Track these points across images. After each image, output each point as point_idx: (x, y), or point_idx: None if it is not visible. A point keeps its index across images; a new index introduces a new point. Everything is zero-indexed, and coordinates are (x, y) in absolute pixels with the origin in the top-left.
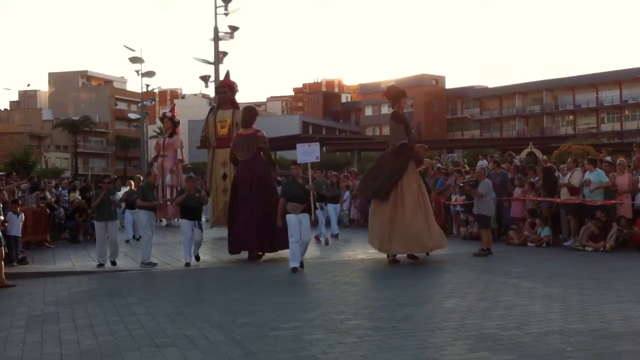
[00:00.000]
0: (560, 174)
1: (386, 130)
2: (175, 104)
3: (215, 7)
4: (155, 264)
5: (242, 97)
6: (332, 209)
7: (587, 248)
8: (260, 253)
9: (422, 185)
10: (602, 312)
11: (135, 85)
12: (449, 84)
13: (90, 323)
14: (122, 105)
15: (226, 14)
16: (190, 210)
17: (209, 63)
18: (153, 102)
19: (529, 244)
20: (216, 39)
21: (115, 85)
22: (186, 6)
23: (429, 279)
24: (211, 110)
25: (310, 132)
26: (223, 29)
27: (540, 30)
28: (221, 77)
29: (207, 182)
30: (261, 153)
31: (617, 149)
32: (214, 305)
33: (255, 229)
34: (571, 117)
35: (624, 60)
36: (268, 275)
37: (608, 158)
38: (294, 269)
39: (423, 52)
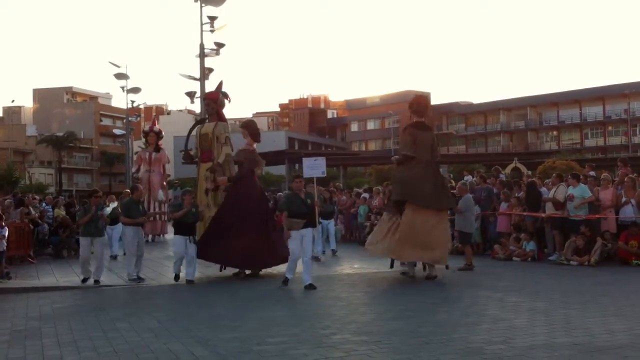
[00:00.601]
0: (545, 189)
1: (372, 146)
2: (154, 116)
3: (201, 24)
4: (142, 279)
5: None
6: (329, 225)
7: (571, 262)
8: (247, 271)
9: None
10: (586, 326)
11: (120, 101)
12: (434, 100)
13: (74, 338)
14: (107, 121)
15: (212, 31)
16: (186, 226)
17: (195, 79)
18: (138, 118)
19: (514, 258)
20: (202, 55)
21: (101, 101)
22: (172, 23)
23: (416, 293)
24: (197, 123)
25: (296, 147)
26: (209, 45)
27: (524, 47)
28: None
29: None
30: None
31: (600, 164)
32: (199, 321)
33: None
34: (555, 132)
35: (608, 77)
36: (253, 290)
37: (592, 173)
38: (286, 281)
39: (409, 68)
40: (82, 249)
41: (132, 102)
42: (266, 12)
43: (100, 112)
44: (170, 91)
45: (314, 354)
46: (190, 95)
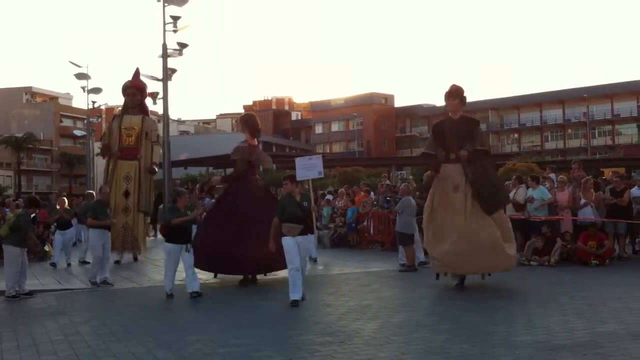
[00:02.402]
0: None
1: (336, 148)
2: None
3: (164, 24)
4: (109, 285)
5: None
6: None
7: (532, 262)
8: (250, 276)
9: None
10: (547, 324)
11: (81, 101)
12: (398, 102)
13: (34, 342)
14: (67, 122)
15: (175, 31)
16: (181, 232)
17: (157, 80)
18: (99, 119)
19: None
20: (164, 55)
21: (61, 101)
22: (134, 22)
23: (378, 294)
24: (115, 116)
25: (260, 149)
26: (172, 45)
27: (485, 51)
28: (170, 94)
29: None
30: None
31: (560, 166)
32: (163, 324)
33: (254, 248)
34: (516, 135)
35: (568, 81)
36: (218, 293)
37: (552, 175)
38: (295, 302)
39: (372, 70)
40: (11, 259)
41: (93, 102)
42: (230, 13)
43: (61, 112)
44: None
45: (278, 355)
46: (153, 96)
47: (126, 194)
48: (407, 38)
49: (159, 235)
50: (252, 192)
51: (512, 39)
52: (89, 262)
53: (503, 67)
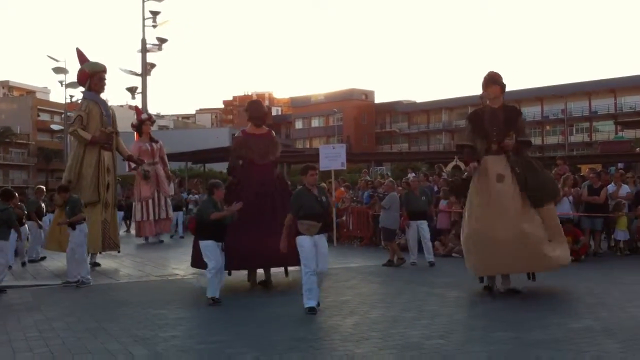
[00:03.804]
0: None
1: (316, 143)
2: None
3: (144, 19)
4: (88, 282)
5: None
6: None
7: None
8: (267, 280)
9: None
10: (522, 320)
11: (59, 96)
12: (378, 99)
13: (9, 339)
14: (44, 117)
15: (154, 26)
16: (218, 228)
17: (136, 74)
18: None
19: (454, 254)
20: (144, 50)
21: (38, 95)
22: (114, 17)
23: (356, 289)
24: (91, 100)
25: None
26: (151, 40)
27: (464, 47)
28: (149, 88)
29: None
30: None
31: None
32: (138, 320)
33: (268, 244)
34: None
35: (546, 79)
36: (194, 289)
37: None
38: (311, 309)
39: (353, 66)
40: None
41: (71, 97)
42: (211, 7)
43: (38, 107)
44: (110, 86)
45: (254, 352)
46: (132, 90)
47: (107, 187)
48: (387, 34)
49: (132, 231)
50: (259, 185)
51: (491, 37)
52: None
53: (482, 65)
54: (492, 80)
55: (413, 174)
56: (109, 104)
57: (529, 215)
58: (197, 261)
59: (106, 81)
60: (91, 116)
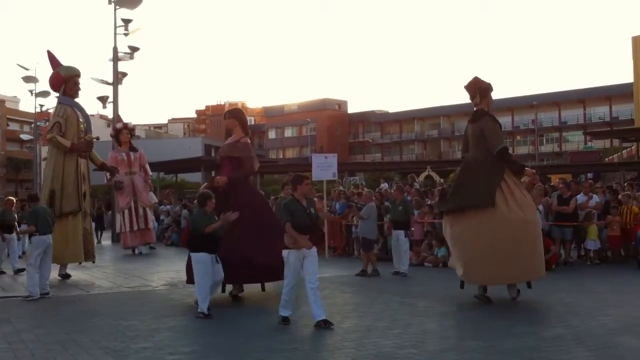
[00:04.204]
0: None
1: (289, 153)
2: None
3: (115, 27)
4: (46, 293)
5: (143, 118)
6: None
7: None
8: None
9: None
10: (494, 329)
11: (28, 105)
12: (351, 109)
13: None
14: (14, 126)
15: (126, 34)
16: (211, 240)
17: (107, 84)
18: (47, 123)
19: (426, 264)
20: (115, 59)
21: (7, 105)
22: (85, 25)
23: (329, 299)
24: (66, 104)
25: (213, 154)
26: (123, 49)
27: (437, 58)
28: (120, 97)
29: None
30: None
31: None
32: (109, 332)
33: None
34: None
35: (516, 89)
36: (166, 299)
37: None
38: (285, 319)
39: (326, 76)
40: None
41: (41, 106)
42: (184, 16)
43: (7, 116)
44: (81, 95)
45: None
46: (103, 99)
47: (84, 196)
48: (360, 44)
49: (103, 242)
50: (255, 194)
51: (462, 48)
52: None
53: (454, 75)
54: (467, 91)
55: (386, 184)
56: None
57: (510, 227)
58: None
59: (80, 86)
60: (69, 122)
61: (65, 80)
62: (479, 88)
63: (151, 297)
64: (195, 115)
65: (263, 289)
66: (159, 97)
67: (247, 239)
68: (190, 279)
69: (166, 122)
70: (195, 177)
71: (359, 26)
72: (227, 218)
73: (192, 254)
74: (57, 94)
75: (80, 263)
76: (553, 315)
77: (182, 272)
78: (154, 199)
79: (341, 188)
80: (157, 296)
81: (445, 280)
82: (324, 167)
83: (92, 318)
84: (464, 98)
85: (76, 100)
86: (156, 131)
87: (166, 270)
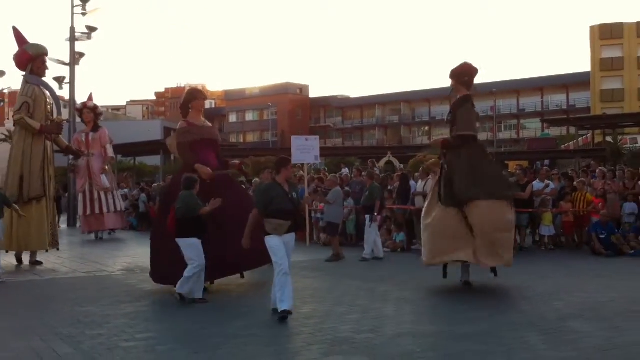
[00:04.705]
0: (414, 182)
1: (250, 137)
2: (91, 93)
3: (72, 7)
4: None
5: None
6: None
7: None
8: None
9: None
10: (451, 314)
11: None
12: (313, 93)
13: None
14: None
15: (84, 14)
16: (202, 225)
17: (64, 64)
18: (2, 104)
19: (385, 249)
20: (72, 39)
21: None
22: (41, 4)
23: None
24: (34, 83)
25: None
26: (80, 29)
27: (398, 44)
28: (77, 78)
29: (21, 184)
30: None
31: None
32: (64, 317)
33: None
34: (427, 127)
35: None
36: (122, 285)
37: None
38: (284, 313)
39: (288, 60)
40: None
41: None
42: None
43: None
44: None
45: (183, 348)
46: (59, 80)
47: (50, 180)
48: (322, 28)
49: (62, 226)
50: (226, 182)
51: (421, 33)
52: None
53: (415, 60)
54: (461, 78)
55: (346, 169)
56: None
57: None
58: (162, 272)
59: (48, 65)
60: (37, 103)
61: (32, 59)
62: (472, 72)
63: (107, 282)
64: (154, 98)
65: (242, 276)
66: (117, 78)
67: (217, 237)
68: (156, 275)
69: (125, 104)
70: (154, 160)
71: (322, 11)
72: (216, 203)
73: (183, 240)
74: (23, 73)
75: (47, 251)
76: (509, 301)
77: (139, 257)
78: (105, 183)
79: (302, 173)
80: (113, 282)
81: (403, 265)
82: (305, 149)
83: (47, 304)
84: (424, 84)
85: (44, 79)
86: (114, 113)
87: (124, 255)
